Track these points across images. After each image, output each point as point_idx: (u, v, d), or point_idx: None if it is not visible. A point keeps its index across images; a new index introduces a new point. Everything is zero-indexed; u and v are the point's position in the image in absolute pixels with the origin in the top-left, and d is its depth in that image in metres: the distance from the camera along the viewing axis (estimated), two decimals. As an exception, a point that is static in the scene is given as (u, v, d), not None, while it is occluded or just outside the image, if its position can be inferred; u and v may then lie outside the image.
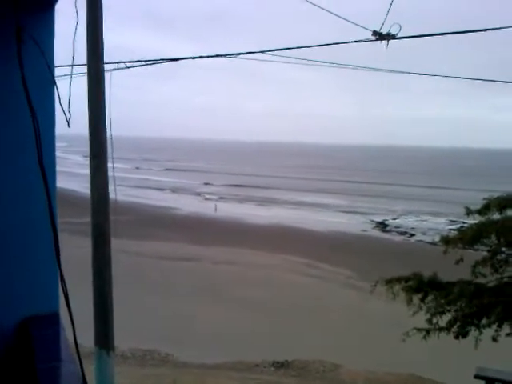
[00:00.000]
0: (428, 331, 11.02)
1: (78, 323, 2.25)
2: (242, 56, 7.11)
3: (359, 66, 8.02)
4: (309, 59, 7.38)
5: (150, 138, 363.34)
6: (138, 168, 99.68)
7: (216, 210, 50.75)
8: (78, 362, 2.95)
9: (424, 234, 41.71)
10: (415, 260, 23.84)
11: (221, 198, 61.63)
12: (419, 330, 11.16)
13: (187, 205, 53.63)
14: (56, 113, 3.18)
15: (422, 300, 11.34)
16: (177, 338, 16.98)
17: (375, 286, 11.89)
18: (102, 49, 5.32)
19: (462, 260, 11.19)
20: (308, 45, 6.76)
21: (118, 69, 7.17)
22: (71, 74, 3.95)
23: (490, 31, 6.09)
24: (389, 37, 5.99)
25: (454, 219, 44.59)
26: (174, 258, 28.85)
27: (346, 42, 6.52)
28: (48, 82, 2.81)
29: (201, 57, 7.54)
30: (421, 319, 11.36)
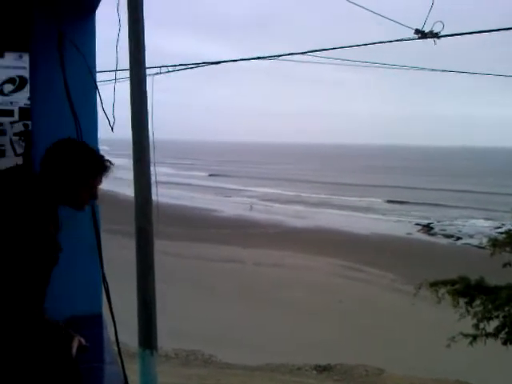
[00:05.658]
0: (475, 337, 10.77)
1: (124, 323, 2.27)
2: (282, 58, 7.10)
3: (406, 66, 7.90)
4: (351, 60, 7.32)
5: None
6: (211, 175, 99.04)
7: (251, 208, 50.56)
8: (120, 363, 2.99)
9: (471, 237, 40.62)
10: (462, 263, 23.29)
11: (268, 199, 61.59)
12: (465, 335, 10.92)
13: (230, 207, 53.84)
14: (99, 117, 3.24)
15: (469, 304, 11.10)
16: (220, 339, 17.06)
17: (419, 288, 11.71)
18: (144, 53, 5.39)
19: (510, 264, 10.91)
20: (349, 45, 6.69)
21: (160, 73, 7.26)
22: (115, 79, 4.02)
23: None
24: (432, 35, 5.87)
25: (503, 222, 43.36)
26: (217, 259, 29.05)
27: (388, 42, 6.44)
28: (90, 87, 2.86)
29: (242, 59, 7.59)
30: (467, 324, 11.11)
